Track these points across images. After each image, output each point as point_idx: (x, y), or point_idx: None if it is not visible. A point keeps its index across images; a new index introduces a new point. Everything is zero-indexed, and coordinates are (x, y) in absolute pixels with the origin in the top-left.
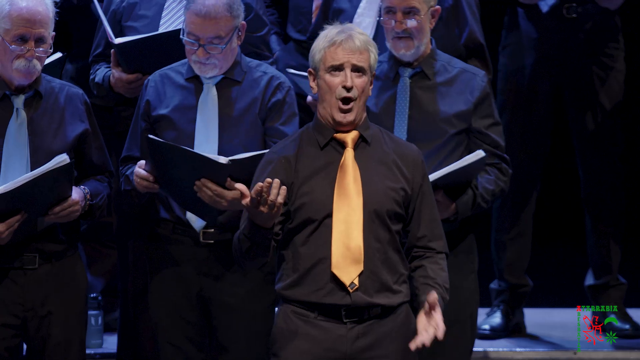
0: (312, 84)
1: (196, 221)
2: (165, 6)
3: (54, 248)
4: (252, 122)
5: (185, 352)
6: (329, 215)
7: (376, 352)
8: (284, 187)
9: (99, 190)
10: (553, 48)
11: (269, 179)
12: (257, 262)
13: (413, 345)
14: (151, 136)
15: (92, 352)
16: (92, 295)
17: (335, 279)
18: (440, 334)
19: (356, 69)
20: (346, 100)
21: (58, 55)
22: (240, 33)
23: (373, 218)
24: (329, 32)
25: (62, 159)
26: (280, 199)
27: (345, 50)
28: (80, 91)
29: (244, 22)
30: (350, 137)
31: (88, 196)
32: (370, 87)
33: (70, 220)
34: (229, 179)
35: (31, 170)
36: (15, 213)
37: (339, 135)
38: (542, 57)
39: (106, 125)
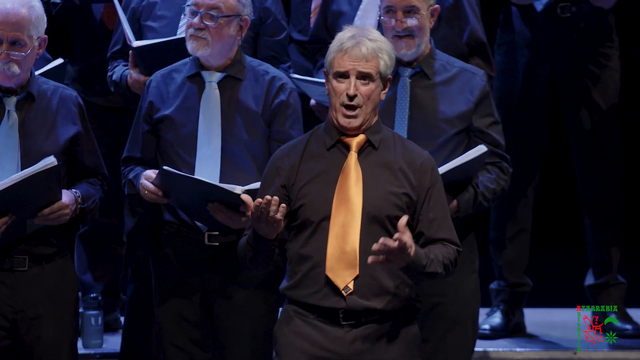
0: (326, 85)
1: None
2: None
3: (44, 250)
4: (255, 121)
5: (190, 354)
6: (327, 218)
7: (374, 356)
8: (283, 205)
9: (91, 193)
10: (547, 47)
11: (268, 197)
12: (261, 269)
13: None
14: (166, 168)
15: (92, 352)
16: (92, 295)
17: (330, 283)
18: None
19: (362, 76)
20: (350, 107)
21: (59, 61)
22: (242, 25)
23: (372, 222)
24: (343, 36)
25: (50, 161)
26: (279, 216)
27: (352, 57)
28: (74, 93)
29: (248, 19)
30: (356, 140)
31: (79, 199)
32: (384, 92)
33: (60, 223)
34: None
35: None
36: (2, 215)
37: (345, 138)
38: (536, 56)
39: (109, 126)
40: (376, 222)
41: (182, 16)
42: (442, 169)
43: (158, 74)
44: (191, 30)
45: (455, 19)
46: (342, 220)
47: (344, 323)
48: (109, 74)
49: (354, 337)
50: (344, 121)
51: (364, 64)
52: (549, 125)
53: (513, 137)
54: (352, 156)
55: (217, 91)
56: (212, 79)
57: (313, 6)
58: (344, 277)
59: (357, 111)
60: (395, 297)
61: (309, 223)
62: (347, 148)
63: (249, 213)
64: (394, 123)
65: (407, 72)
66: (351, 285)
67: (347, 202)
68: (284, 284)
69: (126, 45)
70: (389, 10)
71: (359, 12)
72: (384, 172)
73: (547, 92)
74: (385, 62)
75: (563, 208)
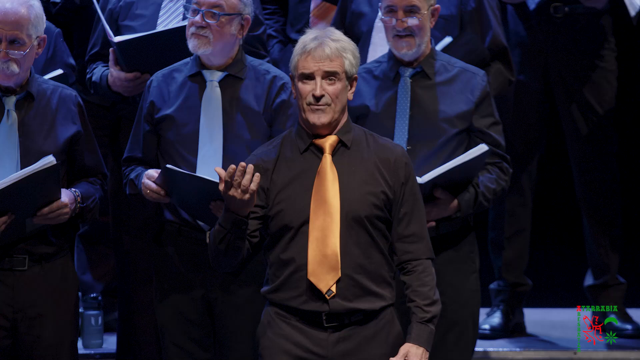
0: (293, 88)
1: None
2: (162, 5)
3: (44, 250)
4: (256, 120)
5: (191, 353)
6: (306, 222)
7: (357, 357)
8: (257, 174)
9: (91, 192)
10: (540, 47)
11: (242, 163)
12: (230, 260)
13: None
14: (169, 166)
15: (92, 352)
16: (92, 295)
17: (312, 286)
18: None
19: (327, 76)
20: (317, 103)
21: (58, 72)
22: (243, 24)
23: (352, 224)
24: (305, 38)
25: (49, 160)
26: (253, 186)
27: (315, 58)
28: (74, 93)
29: (249, 18)
30: (328, 142)
31: (79, 199)
32: (351, 92)
33: (59, 222)
34: None
35: None
36: (2, 215)
37: (317, 141)
38: (529, 55)
39: (107, 125)
40: (355, 223)
41: (160, 14)
42: (442, 168)
43: (159, 73)
44: (193, 29)
45: (477, 23)
46: (321, 223)
47: (327, 325)
48: (88, 75)
49: (337, 339)
50: (312, 117)
51: (329, 64)
52: (546, 124)
53: (510, 136)
54: (327, 158)
55: (219, 90)
56: (213, 78)
57: (312, 6)
58: (326, 280)
59: (325, 107)
60: (377, 296)
61: (289, 228)
62: (321, 150)
63: (221, 186)
64: (394, 123)
65: (408, 72)
66: (334, 289)
67: (324, 204)
68: (266, 287)
69: (104, 47)
70: (389, 9)
71: (379, 14)
72: (359, 172)
73: (541, 92)
74: (349, 61)
75: (562, 208)
